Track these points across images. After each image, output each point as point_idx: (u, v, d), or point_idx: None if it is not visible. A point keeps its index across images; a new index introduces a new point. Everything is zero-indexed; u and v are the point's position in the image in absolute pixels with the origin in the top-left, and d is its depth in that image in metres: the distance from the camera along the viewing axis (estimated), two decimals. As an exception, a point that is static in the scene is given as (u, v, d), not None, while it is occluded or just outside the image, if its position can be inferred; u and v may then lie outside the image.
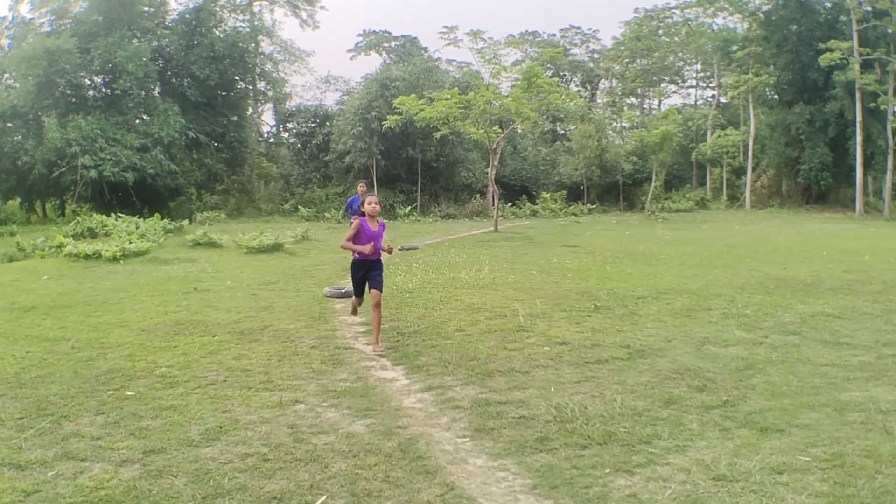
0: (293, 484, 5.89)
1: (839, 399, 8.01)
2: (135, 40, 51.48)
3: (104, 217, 35.52)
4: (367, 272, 11.18)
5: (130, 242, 26.06)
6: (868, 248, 26.59)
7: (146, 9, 54.19)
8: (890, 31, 55.78)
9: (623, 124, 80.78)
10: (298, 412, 7.79)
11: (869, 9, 56.20)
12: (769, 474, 5.96)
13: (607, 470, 6.14)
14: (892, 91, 54.84)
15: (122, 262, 22.98)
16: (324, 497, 5.63)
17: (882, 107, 53.54)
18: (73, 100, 50.16)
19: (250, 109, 64.80)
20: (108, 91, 50.67)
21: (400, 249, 17.22)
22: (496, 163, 45.42)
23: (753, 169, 65.64)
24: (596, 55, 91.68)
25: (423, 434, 7.15)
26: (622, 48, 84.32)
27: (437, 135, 44.20)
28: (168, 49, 54.86)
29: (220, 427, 7.25)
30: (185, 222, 39.04)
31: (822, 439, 6.77)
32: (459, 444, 6.92)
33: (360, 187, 20.14)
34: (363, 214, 11.10)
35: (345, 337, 11.74)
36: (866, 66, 54.96)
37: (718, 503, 5.50)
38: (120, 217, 36.05)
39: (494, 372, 9.33)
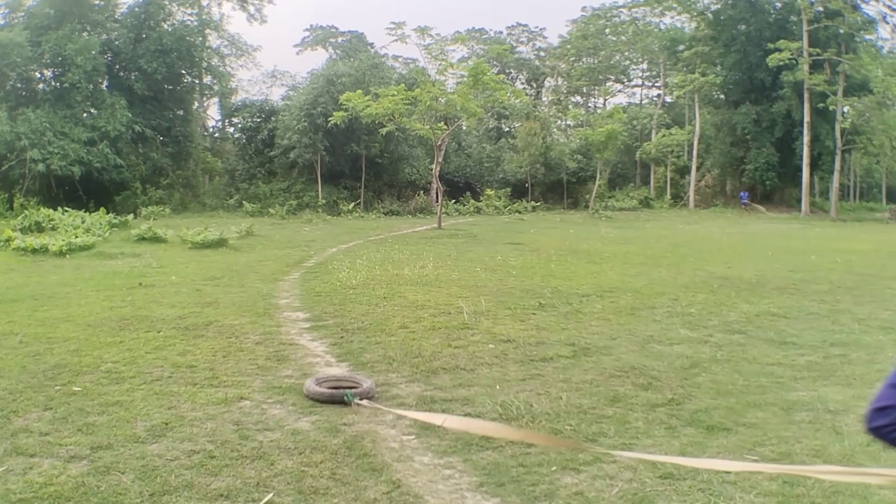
0: (239, 481, 5.86)
1: (786, 398, 8.09)
2: (84, 33, 50.82)
3: (51, 211, 35.31)
4: None
5: (76, 237, 25.82)
6: (814, 248, 26.98)
7: (97, 2, 53.64)
8: (842, 31, 56.46)
9: (568, 122, 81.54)
10: (244, 409, 7.74)
11: (821, 9, 56.95)
12: (716, 473, 5.98)
13: (553, 468, 6.16)
14: (842, 91, 55.53)
15: (68, 256, 22.74)
16: (270, 495, 5.61)
17: (831, 107, 54.22)
18: (24, 93, 49.75)
19: (196, 104, 64.26)
20: (58, 84, 50.24)
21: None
22: (440, 159, 45.47)
23: (698, 168, 66.38)
24: (542, 53, 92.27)
25: (369, 431, 7.13)
26: (568, 46, 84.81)
27: (383, 131, 44.06)
28: (117, 42, 54.32)
29: (166, 423, 7.19)
30: (130, 217, 38.70)
31: (770, 438, 6.83)
32: (405, 441, 6.91)
33: None
34: None
35: (289, 333, 11.68)
36: (816, 66, 55.57)
37: (666, 502, 5.54)
38: (66, 211, 35.79)
39: (439, 369, 9.34)
